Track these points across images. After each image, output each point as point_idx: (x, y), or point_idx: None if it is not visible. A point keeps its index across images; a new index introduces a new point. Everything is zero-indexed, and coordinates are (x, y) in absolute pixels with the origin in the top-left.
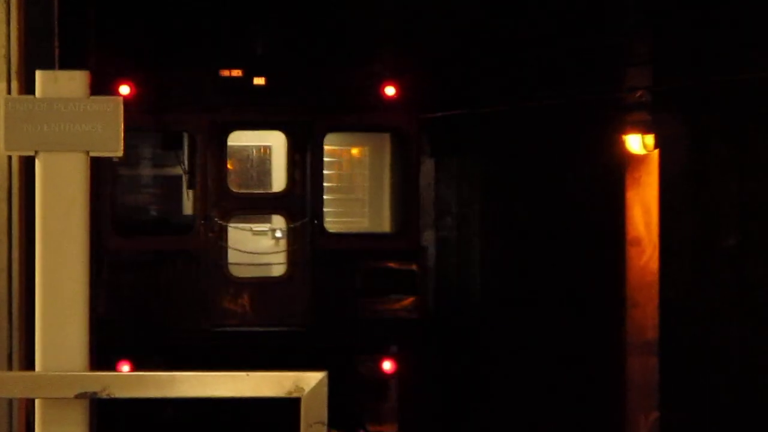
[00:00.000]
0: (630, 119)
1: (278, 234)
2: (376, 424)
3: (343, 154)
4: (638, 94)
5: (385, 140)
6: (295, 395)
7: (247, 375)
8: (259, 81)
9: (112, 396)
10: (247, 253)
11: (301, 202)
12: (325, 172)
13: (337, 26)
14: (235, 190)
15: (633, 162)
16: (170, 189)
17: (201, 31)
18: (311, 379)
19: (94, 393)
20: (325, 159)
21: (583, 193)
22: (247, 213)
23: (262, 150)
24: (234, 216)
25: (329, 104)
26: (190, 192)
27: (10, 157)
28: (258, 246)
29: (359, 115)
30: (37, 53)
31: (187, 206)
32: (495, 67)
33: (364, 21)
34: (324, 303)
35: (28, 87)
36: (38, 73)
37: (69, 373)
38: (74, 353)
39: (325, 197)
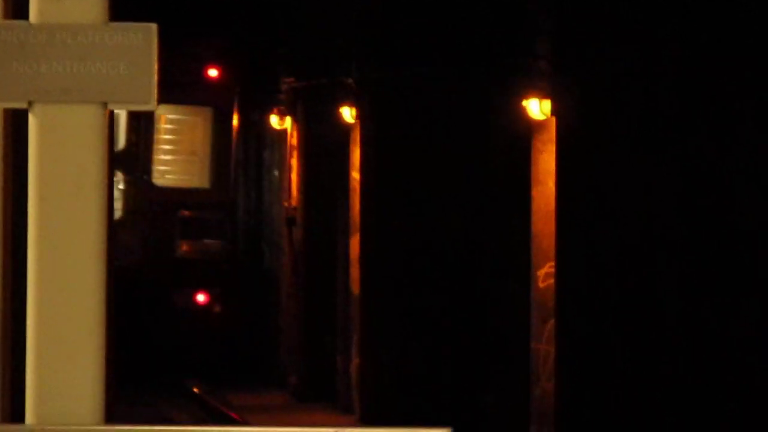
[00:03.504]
0: None
1: (120, 186)
2: (196, 348)
3: (178, 122)
4: None
5: (208, 113)
6: None
7: None
8: None
9: None
10: None
11: (134, 160)
12: (163, 136)
13: (171, 15)
14: None
15: None
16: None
17: None
18: None
19: None
20: (164, 126)
21: None
22: None
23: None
24: None
25: (161, 81)
26: None
27: None
28: None
29: (186, 92)
30: None
31: None
32: None
33: (193, 11)
34: (150, 244)
35: (17, 7)
36: None
37: (74, 428)
38: (83, 399)
39: (159, 157)
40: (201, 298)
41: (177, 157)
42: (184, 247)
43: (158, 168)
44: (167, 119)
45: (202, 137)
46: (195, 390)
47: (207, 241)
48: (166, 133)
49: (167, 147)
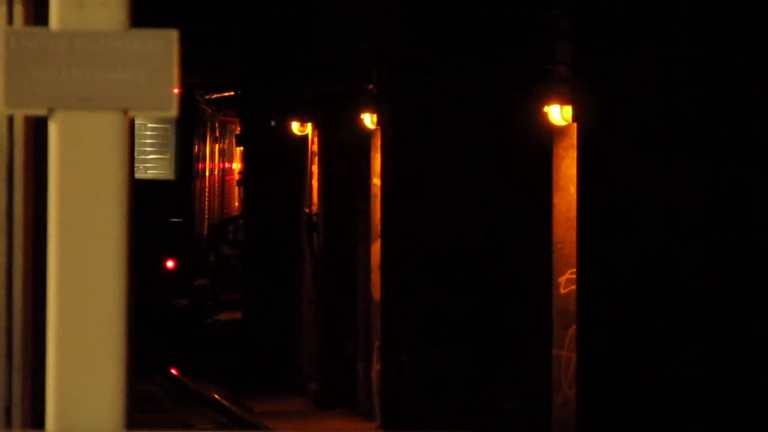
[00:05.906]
0: None
1: None
2: (169, 300)
3: (154, 128)
4: None
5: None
6: None
7: None
8: None
9: None
10: None
11: None
12: (142, 140)
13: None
14: None
15: None
16: None
17: None
18: None
19: None
20: (144, 132)
21: None
22: None
23: None
24: None
25: None
26: None
27: (11, 118)
28: None
29: None
30: None
31: None
32: None
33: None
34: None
35: (38, 14)
36: None
37: None
38: (103, 405)
39: (139, 157)
40: (170, 264)
41: (153, 156)
42: (156, 225)
43: (141, 165)
44: (147, 126)
45: (171, 139)
46: (216, 396)
47: (173, 220)
48: (145, 138)
49: (147, 148)
